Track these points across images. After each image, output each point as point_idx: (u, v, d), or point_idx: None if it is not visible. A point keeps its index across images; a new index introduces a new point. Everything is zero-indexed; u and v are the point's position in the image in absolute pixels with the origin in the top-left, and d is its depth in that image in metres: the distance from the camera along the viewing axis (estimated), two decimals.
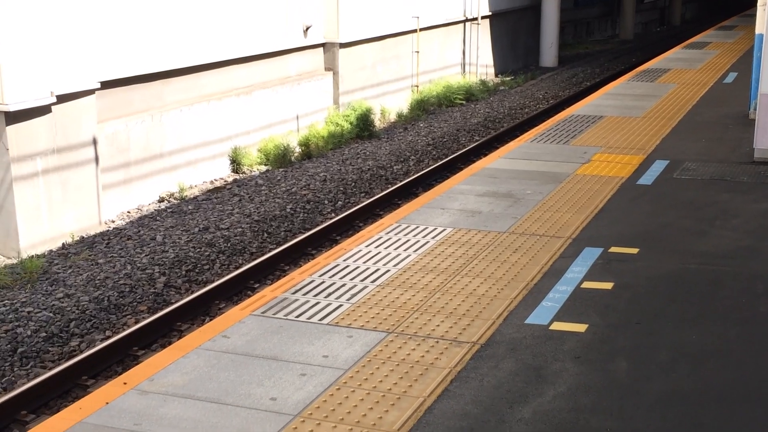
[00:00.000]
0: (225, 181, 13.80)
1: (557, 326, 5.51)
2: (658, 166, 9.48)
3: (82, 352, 7.87)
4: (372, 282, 6.29)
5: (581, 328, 5.48)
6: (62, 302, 8.83)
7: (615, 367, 4.98)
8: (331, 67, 17.15)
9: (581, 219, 7.66)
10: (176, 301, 8.90)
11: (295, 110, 15.95)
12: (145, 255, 10.20)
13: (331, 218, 11.63)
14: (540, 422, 4.39)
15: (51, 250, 10.35)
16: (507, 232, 7.35)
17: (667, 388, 4.72)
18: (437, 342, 5.29)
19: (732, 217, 7.75)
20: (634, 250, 6.88)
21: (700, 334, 5.41)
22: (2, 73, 9.68)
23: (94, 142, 11.14)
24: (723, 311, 5.76)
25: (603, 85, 19.50)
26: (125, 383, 4.84)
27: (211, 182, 13.73)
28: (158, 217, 11.66)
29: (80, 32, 10.68)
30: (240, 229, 11.13)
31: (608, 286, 6.17)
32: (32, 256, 10.04)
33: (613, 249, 6.90)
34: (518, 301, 5.90)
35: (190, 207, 12.12)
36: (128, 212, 12.05)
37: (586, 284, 6.19)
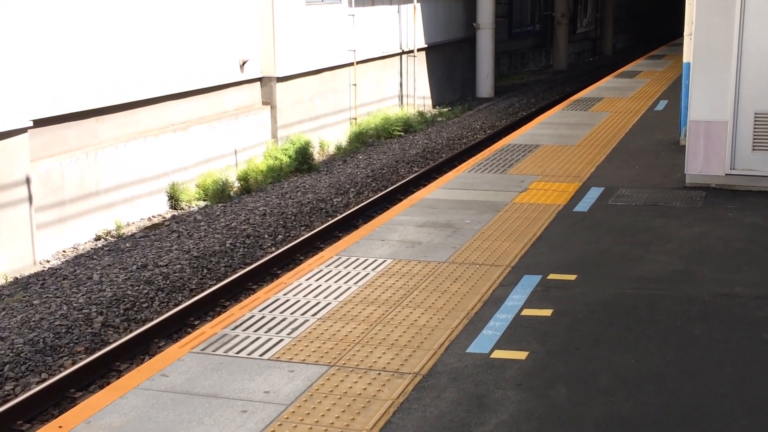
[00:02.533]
0: (163, 217, 13.67)
1: (498, 354, 5.52)
2: (594, 193, 9.60)
3: (16, 396, 7.70)
4: (313, 315, 6.26)
5: (522, 355, 5.50)
6: None
7: (555, 393, 5.00)
8: (268, 101, 17.15)
9: (520, 247, 7.72)
10: (114, 341, 8.77)
11: (233, 145, 15.89)
12: (82, 294, 10.03)
13: (271, 252, 11.58)
14: None
15: None
16: (447, 262, 7.37)
17: (606, 413, 4.76)
18: (379, 374, 5.27)
19: (666, 241, 7.88)
20: (572, 277, 6.94)
21: (637, 358, 5.47)
22: None
23: (28, 181, 10.97)
24: (659, 335, 5.83)
25: (538, 115, 19.77)
26: (60, 426, 4.73)
27: (149, 219, 13.60)
28: (95, 256, 11.50)
29: (11, 69, 10.54)
30: (179, 266, 11.01)
31: (547, 312, 6.21)
32: None
33: (551, 276, 6.96)
34: (459, 331, 5.91)
35: (127, 245, 11.96)
36: (64, 251, 11.87)
37: (526, 311, 6.22)
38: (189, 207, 14.22)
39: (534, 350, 5.58)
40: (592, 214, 8.79)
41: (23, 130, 10.85)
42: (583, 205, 9.12)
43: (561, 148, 12.30)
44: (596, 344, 5.69)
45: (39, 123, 11.45)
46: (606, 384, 5.11)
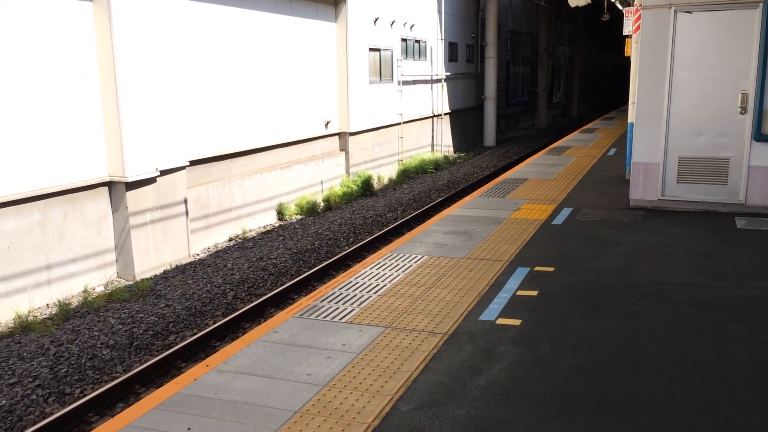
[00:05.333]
0: (273, 226, 13.80)
1: (501, 321, 5.48)
2: (566, 212, 9.49)
3: (177, 344, 7.81)
4: (374, 293, 6.27)
5: (517, 322, 5.46)
6: (163, 310, 8.77)
7: (540, 348, 4.95)
8: (344, 148, 17.23)
9: (515, 248, 7.66)
10: (241, 308, 8.85)
11: (320, 177, 15.99)
12: (220, 277, 10.15)
13: (345, 250, 11.61)
14: (491, 387, 4.36)
15: (156, 275, 10.30)
16: (465, 258, 7.34)
17: (575, 363, 4.70)
18: (419, 333, 5.26)
19: (615, 245, 7.76)
20: (551, 269, 6.87)
21: (596, 325, 5.39)
22: (125, 158, 9.72)
23: (185, 201, 11.15)
24: (611, 310, 5.74)
25: (526, 158, 19.57)
26: (207, 365, 4.79)
27: (264, 227, 13.72)
28: (228, 251, 11.63)
29: (175, 130, 10.74)
30: (284, 258, 11.10)
31: (534, 293, 6.15)
32: (143, 279, 9.98)
33: (537, 268, 6.89)
34: (473, 305, 5.88)
35: (249, 244, 12.09)
36: (208, 248, 12.03)
37: (520, 292, 6.17)
38: (290, 219, 14.33)
39: (525, 319, 5.53)
40: (565, 226, 8.69)
41: (183, 168, 11.04)
42: (558, 220, 9.02)
43: (543, 181, 12.18)
44: (567, 315, 5.62)
45: (193, 163, 11.63)
46: (574, 342, 5.04)
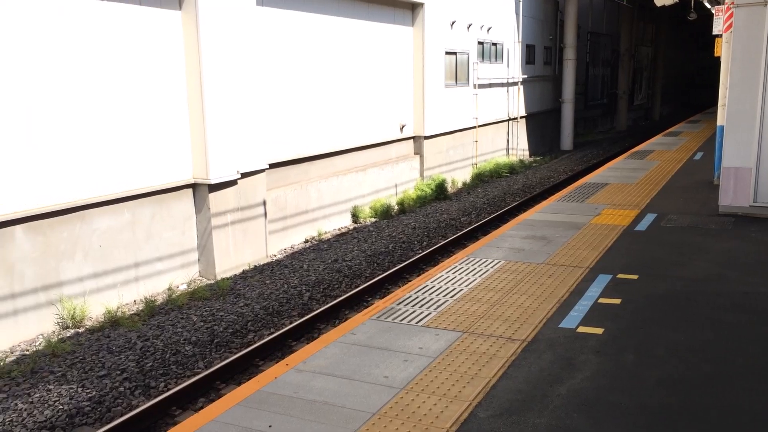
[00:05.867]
0: (348, 228, 13.92)
1: (582, 329, 5.34)
2: (650, 218, 9.16)
3: (255, 342, 7.96)
4: (451, 297, 6.23)
5: (599, 331, 5.30)
6: (242, 309, 8.97)
7: (624, 358, 4.79)
8: (418, 152, 17.22)
9: (595, 254, 7.45)
10: (317, 309, 8.96)
11: (394, 181, 16.04)
12: (296, 278, 10.31)
13: (419, 253, 11.59)
14: (572, 397, 4.24)
15: (235, 275, 10.56)
16: (543, 263, 7.19)
17: (663, 375, 4.51)
18: (497, 339, 5.18)
19: (704, 253, 7.43)
20: (635, 276, 6.64)
21: (684, 335, 5.17)
22: (209, 161, 10.04)
23: (264, 203, 11.39)
24: (700, 319, 5.49)
25: (606, 162, 19.04)
26: (287, 364, 4.87)
27: (339, 229, 13.86)
28: (304, 253, 11.81)
29: (256, 133, 11.01)
30: (358, 261, 11.17)
31: (617, 301, 5.96)
32: (223, 278, 10.25)
33: (620, 275, 6.68)
34: (553, 312, 5.74)
35: (325, 246, 12.24)
36: (285, 249, 12.24)
37: (601, 300, 5.99)
38: (365, 222, 14.43)
39: (608, 327, 5.36)
40: (649, 232, 8.39)
41: (263, 170, 11.29)
42: (641, 226, 8.72)
43: (624, 186, 11.80)
44: (653, 324, 5.41)
45: (272, 166, 11.89)
46: (661, 353, 4.85)
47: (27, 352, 7.50)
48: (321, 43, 13.18)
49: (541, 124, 25.83)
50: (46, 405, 6.30)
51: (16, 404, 6.28)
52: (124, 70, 8.96)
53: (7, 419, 6.02)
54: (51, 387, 6.63)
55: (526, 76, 23.66)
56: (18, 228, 7.76)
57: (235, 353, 7.56)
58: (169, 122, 9.70)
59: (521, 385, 4.41)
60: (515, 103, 23.04)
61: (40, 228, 8.00)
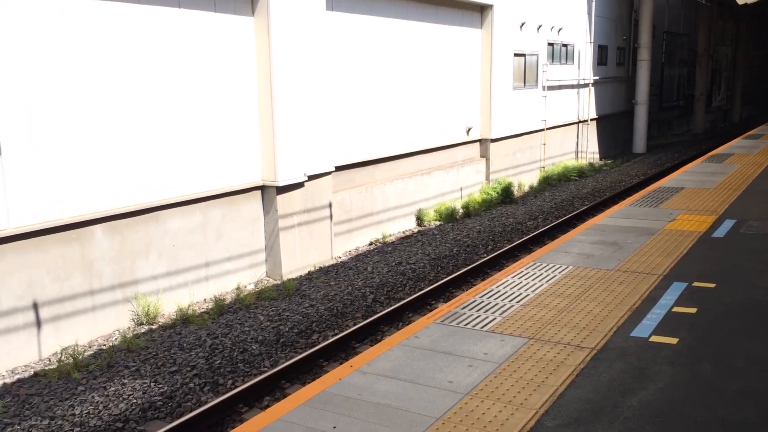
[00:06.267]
0: (412, 231, 13.92)
1: (655, 339, 5.14)
2: (728, 224, 8.76)
3: (320, 343, 8.05)
4: (517, 302, 6.12)
5: (673, 340, 5.09)
6: (308, 310, 9.09)
7: (701, 369, 4.58)
8: (484, 155, 17.06)
9: (670, 261, 7.17)
10: (380, 312, 8.98)
11: (459, 184, 15.94)
12: (360, 280, 10.37)
13: (484, 257, 11.47)
14: (645, 408, 4.09)
15: (301, 276, 10.71)
16: (614, 270, 6.98)
17: (744, 387, 4.29)
18: (565, 347, 5.06)
19: None
20: (712, 285, 6.35)
21: (765, 346, 4.90)
22: (277, 163, 10.23)
23: (330, 205, 11.52)
24: None
25: (681, 166, 18.37)
26: (351, 366, 4.88)
27: (403, 232, 13.87)
28: (368, 255, 11.87)
29: (322, 136, 11.15)
30: (422, 264, 11.15)
31: (693, 310, 5.72)
32: (289, 279, 10.42)
33: (695, 283, 6.41)
34: (624, 320, 5.56)
35: (389, 248, 12.27)
36: (349, 251, 12.34)
37: (676, 309, 5.76)
38: (429, 225, 14.40)
39: (683, 337, 5.15)
40: (727, 239, 8.02)
41: (329, 173, 11.42)
42: (719, 232, 8.34)
43: (701, 190, 11.34)
44: (732, 335, 5.16)
45: (338, 168, 12.01)
46: (741, 365, 4.62)
47: (104, 347, 7.82)
48: (388, 46, 13.23)
49: (612, 126, 25.15)
50: (120, 398, 6.54)
51: (93, 397, 6.55)
52: (199, 76, 9.24)
53: (84, 411, 6.28)
54: (126, 381, 6.88)
55: (597, 78, 23.09)
56: (98, 227, 8.10)
57: (300, 353, 7.66)
58: (240, 126, 9.94)
59: (590, 394, 4.29)
60: (585, 105, 22.52)
61: (117, 228, 8.33)
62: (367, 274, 10.61)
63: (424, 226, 14.31)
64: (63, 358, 7.37)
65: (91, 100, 7.94)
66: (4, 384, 6.89)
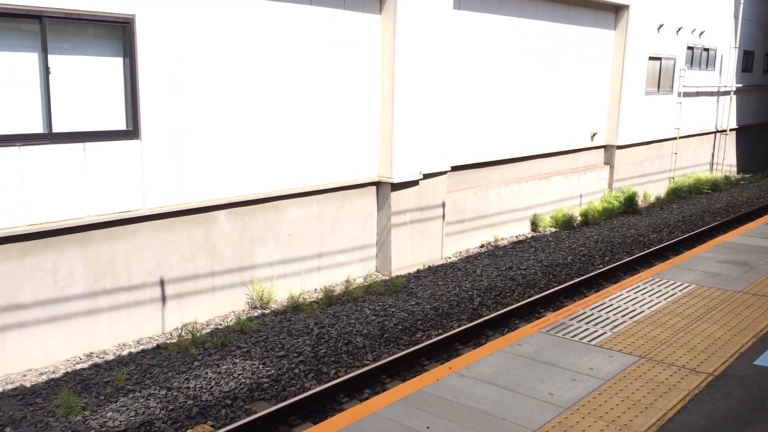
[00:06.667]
0: (525, 236, 13.63)
1: None
2: None
3: (423, 342, 8.06)
4: (629, 318, 5.85)
5: None
6: (413, 307, 9.14)
7: None
8: (609, 161, 16.39)
9: None
10: (486, 315, 8.88)
11: (579, 190, 15.42)
12: (468, 282, 10.30)
13: (599, 268, 11.03)
14: None
15: (409, 273, 10.78)
16: (741, 292, 6.50)
17: None
18: (679, 369, 4.78)
19: None
20: None
21: None
22: (394, 160, 10.37)
23: (443, 205, 11.50)
24: None
25: None
26: (450, 368, 4.88)
27: (516, 237, 13.62)
28: (478, 257, 11.76)
29: (439, 136, 11.16)
30: (533, 270, 10.90)
31: None
32: (398, 275, 10.52)
33: None
34: (748, 346, 5.17)
35: (500, 252, 12.09)
36: (459, 252, 12.27)
37: None
38: (544, 231, 14.04)
39: None
40: None
41: (444, 173, 11.41)
42: None
43: None
44: None
45: (454, 169, 11.98)
46: None
47: (220, 327, 8.27)
48: (512, 46, 13.02)
49: (754, 138, 23.37)
50: (231, 377, 6.90)
51: (207, 373, 6.94)
52: (324, 72, 9.53)
53: (198, 385, 6.68)
54: (237, 361, 7.25)
55: (740, 85, 21.53)
56: (222, 213, 8.58)
57: (403, 350, 7.72)
58: (360, 122, 10.15)
59: (703, 422, 4.03)
60: (725, 113, 21.07)
61: (239, 214, 8.78)
62: (475, 277, 10.52)
63: (539, 231, 13.97)
64: (183, 333, 7.87)
65: (222, 94, 8.40)
66: (130, 353, 7.46)
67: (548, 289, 9.92)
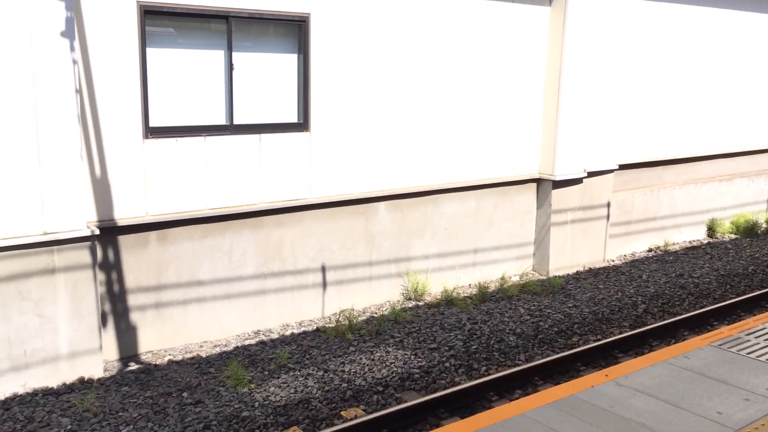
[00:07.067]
0: (700, 242, 12.66)
1: None
2: None
3: (579, 346, 7.81)
4: None
5: None
6: (571, 310, 8.86)
7: None
8: None
9: None
10: (651, 324, 8.40)
11: (766, 195, 14.02)
12: (633, 287, 9.79)
13: None
14: None
15: (568, 274, 10.46)
16: None
17: None
18: None
19: None
20: None
21: None
22: (557, 157, 10.09)
23: (608, 205, 11.02)
24: None
25: None
26: (606, 375, 4.69)
27: (689, 242, 12.70)
28: (645, 262, 11.12)
29: (604, 132, 10.69)
30: (707, 279, 10.11)
31: None
32: (555, 276, 10.25)
33: None
34: None
35: (670, 258, 11.35)
36: (624, 255, 11.70)
37: None
38: (722, 237, 12.95)
39: None
40: None
41: (610, 171, 10.92)
42: None
43: None
44: None
45: (621, 167, 11.42)
46: None
47: (375, 315, 8.55)
48: (688, 36, 12.10)
49: None
50: (383, 364, 7.12)
51: (361, 358, 7.22)
52: (488, 66, 9.48)
53: (352, 370, 6.97)
54: (390, 350, 7.46)
55: None
56: (381, 204, 8.85)
57: (558, 353, 7.52)
58: (521, 118, 9.99)
59: None
60: None
61: (398, 206, 9.00)
62: (640, 282, 9.97)
63: (716, 237, 12.92)
64: (340, 319, 8.24)
65: (382, 90, 8.64)
66: (292, 333, 7.94)
67: (724, 301, 9.17)
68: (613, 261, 11.32)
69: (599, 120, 10.48)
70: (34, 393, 6.20)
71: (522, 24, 9.73)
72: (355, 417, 6.08)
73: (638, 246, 11.96)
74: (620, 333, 8.14)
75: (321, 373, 6.84)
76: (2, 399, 6.07)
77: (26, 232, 6.10)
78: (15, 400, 6.01)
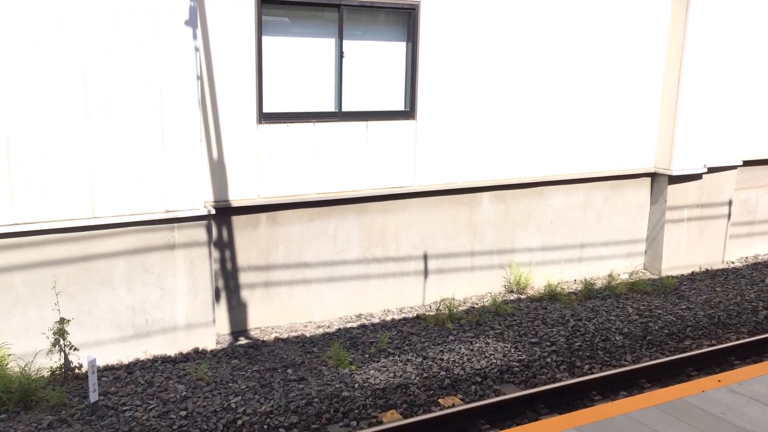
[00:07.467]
0: None
1: None
2: None
3: (692, 350, 7.47)
4: None
5: None
6: (683, 312, 8.47)
7: None
8: None
9: None
10: None
11: None
12: (754, 291, 9.21)
13: None
14: None
15: (682, 274, 9.99)
16: None
17: None
18: None
19: None
20: None
21: None
22: (674, 151, 9.63)
23: (729, 203, 10.40)
24: None
25: None
26: (719, 381, 4.47)
27: None
28: None
29: (726, 125, 10.07)
30: None
31: None
32: (668, 276, 9.81)
33: None
34: None
35: None
36: (745, 257, 11.01)
37: None
38: None
39: None
40: None
41: (734, 167, 10.30)
42: None
43: None
44: None
45: (746, 164, 10.73)
46: None
47: (475, 306, 8.53)
48: None
49: None
50: (482, 355, 7.10)
51: (460, 348, 7.24)
52: (596, 56, 9.16)
53: (451, 359, 7.00)
54: (489, 341, 7.43)
55: None
56: (485, 195, 8.79)
57: (668, 356, 7.22)
58: (635, 109, 9.59)
59: None
60: None
61: (503, 197, 8.91)
62: (763, 287, 9.36)
63: None
64: (441, 307, 8.28)
65: (487, 79, 8.55)
66: (393, 319, 8.07)
67: None
68: (733, 263, 10.69)
69: (721, 113, 9.89)
70: (154, 359, 6.66)
71: (638, 12, 9.31)
72: (453, 405, 6.11)
73: (762, 248, 11.22)
74: (737, 339, 7.70)
75: (420, 359, 6.92)
76: (126, 363, 6.57)
77: (150, 209, 6.55)
78: (137, 365, 6.49)
